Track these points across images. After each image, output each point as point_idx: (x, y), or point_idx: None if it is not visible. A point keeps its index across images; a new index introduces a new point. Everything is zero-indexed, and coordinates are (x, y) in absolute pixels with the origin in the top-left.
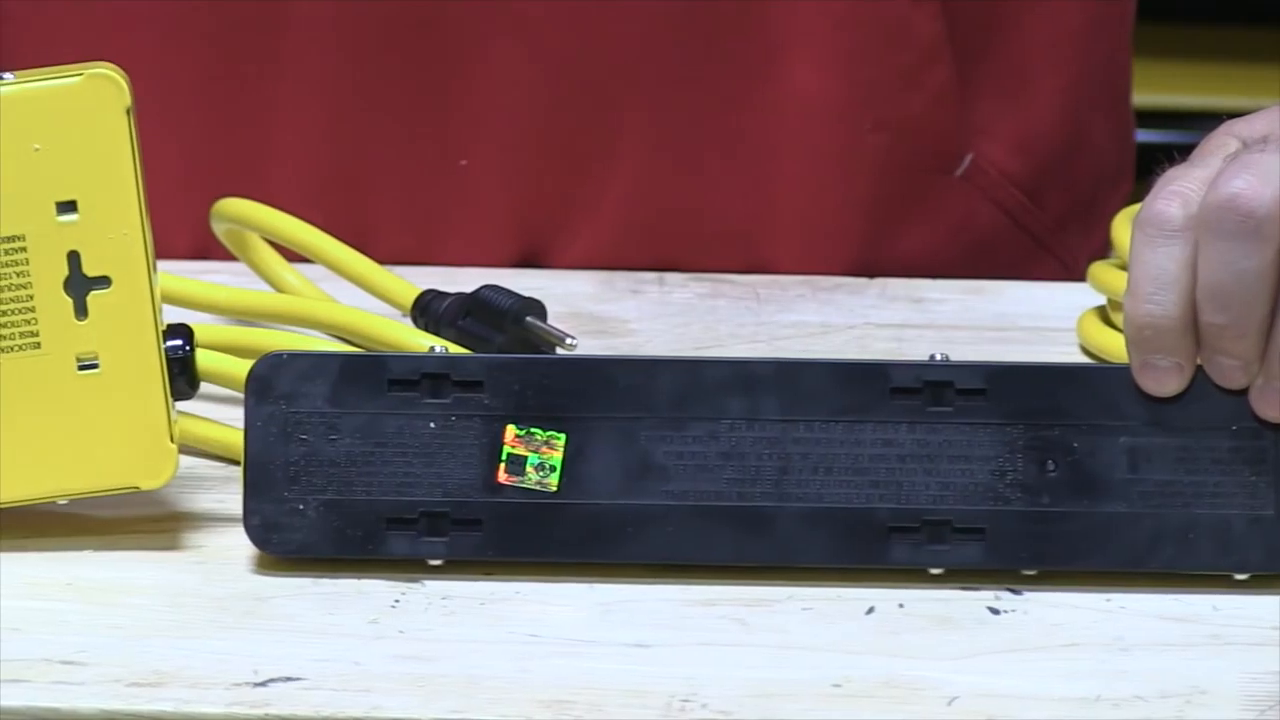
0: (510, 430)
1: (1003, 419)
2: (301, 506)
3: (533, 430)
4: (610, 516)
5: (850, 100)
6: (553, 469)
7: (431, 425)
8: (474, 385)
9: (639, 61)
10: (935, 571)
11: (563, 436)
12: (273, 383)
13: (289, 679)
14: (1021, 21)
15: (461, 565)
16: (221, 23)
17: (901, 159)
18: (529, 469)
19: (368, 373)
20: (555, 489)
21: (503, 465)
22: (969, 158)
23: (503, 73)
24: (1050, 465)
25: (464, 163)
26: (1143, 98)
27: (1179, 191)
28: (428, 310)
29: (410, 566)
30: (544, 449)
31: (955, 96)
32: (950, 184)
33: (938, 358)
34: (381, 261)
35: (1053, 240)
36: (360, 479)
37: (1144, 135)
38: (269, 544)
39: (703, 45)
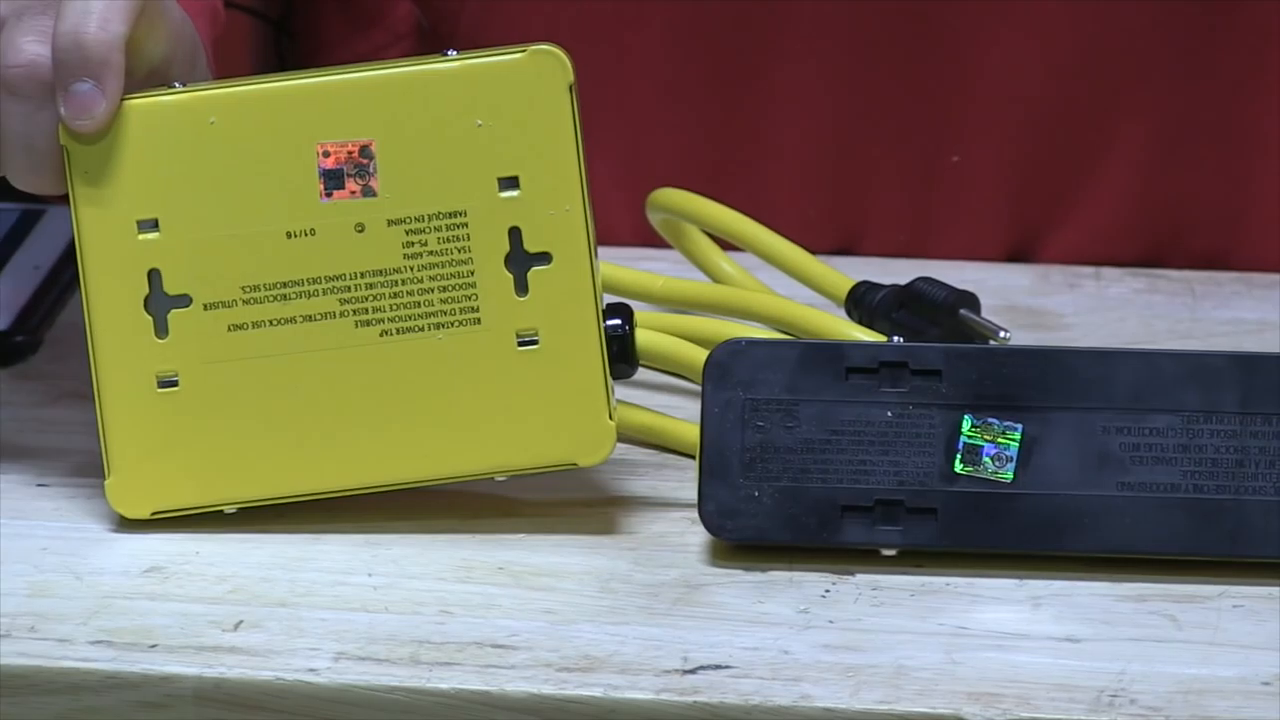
0: (967, 420)
1: None
2: (756, 493)
3: (990, 420)
4: (1066, 508)
5: None
6: (1009, 459)
7: (889, 414)
8: (932, 374)
9: (1138, 55)
10: None
11: (1019, 426)
12: (731, 369)
13: (718, 667)
14: None
15: (907, 555)
16: (725, 21)
17: None
18: (986, 459)
19: (826, 361)
20: (1011, 479)
21: (959, 455)
22: None
23: (1000, 70)
24: None
25: (956, 159)
26: None
27: None
28: (861, 302)
29: (852, 557)
30: (1001, 438)
31: None
32: None
33: None
34: (871, 255)
35: None
36: (816, 466)
37: None
38: (723, 530)
39: (1200, 36)
